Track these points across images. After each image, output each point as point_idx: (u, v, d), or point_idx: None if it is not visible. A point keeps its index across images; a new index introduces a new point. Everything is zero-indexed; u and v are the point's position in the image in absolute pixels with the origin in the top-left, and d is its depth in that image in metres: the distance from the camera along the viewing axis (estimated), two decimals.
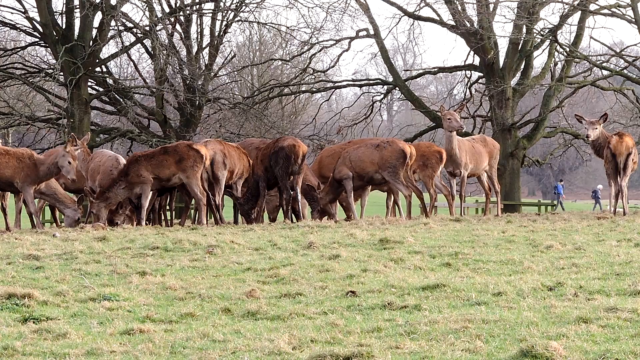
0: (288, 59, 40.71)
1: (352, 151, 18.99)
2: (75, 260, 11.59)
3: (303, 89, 39.49)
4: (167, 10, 35.05)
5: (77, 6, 33.58)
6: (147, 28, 33.57)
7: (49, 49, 35.02)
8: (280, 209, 18.87)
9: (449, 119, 19.69)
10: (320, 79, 39.07)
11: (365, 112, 38.74)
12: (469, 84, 37.58)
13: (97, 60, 34.35)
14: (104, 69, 35.67)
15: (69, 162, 17.36)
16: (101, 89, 35.26)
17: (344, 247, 12.60)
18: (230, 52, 40.79)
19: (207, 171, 18.14)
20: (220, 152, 18.43)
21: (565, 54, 36.32)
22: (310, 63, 38.46)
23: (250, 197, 18.53)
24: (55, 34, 33.21)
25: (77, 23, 33.84)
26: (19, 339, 7.34)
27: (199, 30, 35.73)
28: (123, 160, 18.43)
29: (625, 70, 37.30)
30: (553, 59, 36.83)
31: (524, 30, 35.60)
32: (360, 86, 39.62)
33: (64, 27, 33.55)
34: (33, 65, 35.86)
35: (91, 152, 20.29)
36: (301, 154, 18.29)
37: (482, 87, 37.34)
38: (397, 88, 37.94)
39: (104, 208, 17.83)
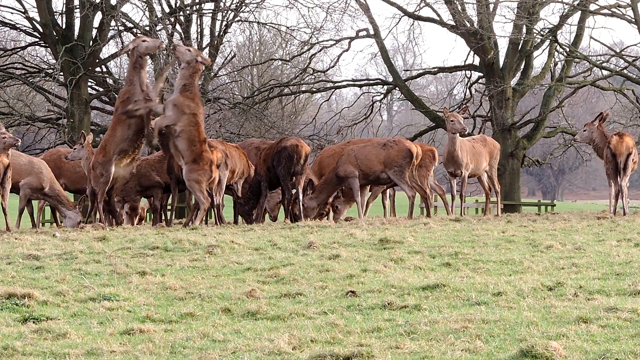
0: (288, 59, 40.71)
1: (358, 149, 18.98)
2: (75, 260, 11.59)
3: (303, 89, 39.47)
4: (167, 10, 35.05)
5: (77, 6, 33.57)
6: (147, 28, 33.56)
7: (49, 49, 35.00)
8: (281, 206, 18.93)
9: (452, 120, 19.69)
10: (320, 79, 39.07)
11: (365, 112, 38.73)
12: (469, 84, 37.56)
13: (97, 60, 34.34)
14: (104, 69, 35.67)
15: None
16: (101, 89, 35.26)
17: (344, 247, 12.60)
18: (230, 52, 40.81)
19: None
20: (221, 152, 18.43)
21: (565, 54, 36.31)
22: (310, 63, 38.45)
23: (251, 197, 18.53)
24: (55, 34, 33.20)
25: (77, 23, 33.82)
26: (19, 339, 7.34)
27: (199, 30, 35.74)
28: None
29: (625, 70, 37.28)
30: (553, 59, 36.81)
31: (524, 30, 35.58)
32: (360, 86, 39.62)
33: (64, 27, 33.54)
34: (33, 65, 35.84)
35: None
36: (304, 154, 18.30)
37: (482, 87, 37.32)
38: (397, 88, 37.93)
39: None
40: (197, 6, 35.64)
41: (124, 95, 17.34)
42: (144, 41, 17.10)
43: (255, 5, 35.91)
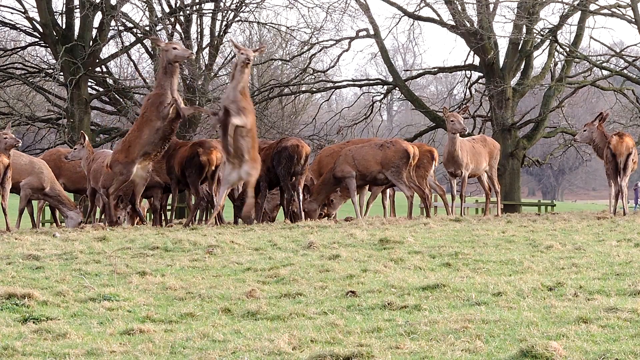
0: (288, 59, 40.71)
1: (356, 150, 19.02)
2: (75, 260, 11.59)
3: (303, 89, 39.48)
4: (167, 10, 35.06)
5: (77, 6, 33.59)
6: (147, 28, 33.58)
7: (49, 49, 35.03)
8: (280, 208, 18.93)
9: (452, 120, 19.71)
10: (320, 79, 39.07)
11: (365, 112, 38.75)
12: (469, 84, 37.57)
13: (97, 60, 34.35)
14: (104, 69, 35.68)
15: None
16: (101, 89, 35.27)
17: (344, 247, 12.60)
18: (230, 52, 40.77)
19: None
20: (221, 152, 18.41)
21: (565, 54, 36.33)
22: (310, 63, 38.46)
23: None
24: (55, 34, 33.21)
25: (77, 23, 33.86)
26: (19, 339, 7.34)
27: (199, 30, 35.75)
28: None
29: (625, 70, 37.31)
30: (553, 59, 36.84)
31: (524, 30, 35.60)
32: (360, 86, 39.64)
33: (64, 27, 33.56)
34: (33, 65, 35.86)
35: None
36: (304, 154, 18.30)
37: (482, 87, 37.33)
38: (397, 88, 37.94)
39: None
40: (197, 6, 35.64)
41: (154, 99, 17.05)
42: (174, 48, 16.84)
43: (255, 5, 35.94)
